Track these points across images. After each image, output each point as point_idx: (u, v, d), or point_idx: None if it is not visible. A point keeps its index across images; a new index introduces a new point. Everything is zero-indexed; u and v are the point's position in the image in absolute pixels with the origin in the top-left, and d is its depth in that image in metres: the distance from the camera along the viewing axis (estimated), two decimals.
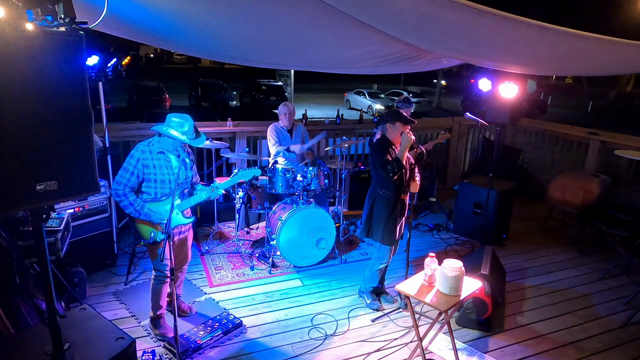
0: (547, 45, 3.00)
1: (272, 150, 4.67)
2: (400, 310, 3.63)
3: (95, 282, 3.81)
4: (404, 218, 3.52)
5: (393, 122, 3.29)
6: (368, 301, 3.65)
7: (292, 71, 18.82)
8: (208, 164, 5.42)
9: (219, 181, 3.17)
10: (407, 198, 3.50)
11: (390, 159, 3.20)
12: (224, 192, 3.26)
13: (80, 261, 3.55)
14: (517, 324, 3.52)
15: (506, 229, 5.16)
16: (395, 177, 3.20)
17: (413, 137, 3.22)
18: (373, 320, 3.48)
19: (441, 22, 2.82)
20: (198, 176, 3.25)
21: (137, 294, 3.67)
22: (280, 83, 20.76)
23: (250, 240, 4.81)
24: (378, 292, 3.81)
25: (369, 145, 5.17)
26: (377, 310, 3.60)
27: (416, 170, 3.48)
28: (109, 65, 3.90)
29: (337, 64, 4.81)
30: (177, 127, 2.82)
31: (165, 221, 2.79)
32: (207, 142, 4.38)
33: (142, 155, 2.85)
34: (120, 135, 4.98)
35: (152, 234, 2.92)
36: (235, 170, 3.32)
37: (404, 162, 3.23)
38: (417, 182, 3.42)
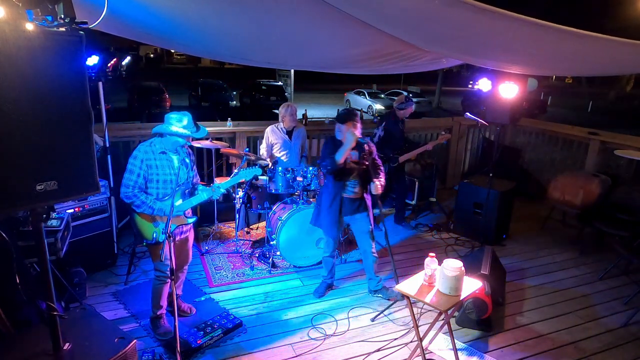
0: (548, 43, 2.99)
1: (262, 151, 4.72)
2: (397, 301, 3.67)
3: (95, 282, 3.81)
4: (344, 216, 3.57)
5: (336, 123, 3.43)
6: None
7: (292, 71, 18.80)
8: (208, 164, 5.42)
9: (219, 181, 3.18)
10: (360, 197, 3.53)
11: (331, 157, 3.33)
12: (224, 192, 3.27)
13: (80, 261, 3.55)
14: (517, 324, 3.52)
15: (506, 229, 5.16)
16: (332, 173, 3.39)
17: (356, 135, 3.27)
18: (372, 320, 3.48)
19: (441, 21, 2.82)
20: (198, 177, 3.26)
21: (137, 294, 3.67)
22: (280, 83, 20.76)
23: (250, 240, 4.80)
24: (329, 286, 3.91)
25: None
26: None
27: (381, 173, 3.51)
28: (109, 64, 3.90)
29: (337, 64, 4.81)
30: (177, 122, 2.86)
31: (180, 213, 2.81)
32: (207, 142, 4.38)
33: (145, 156, 2.85)
34: (120, 135, 4.97)
35: (155, 235, 2.92)
36: (236, 170, 3.32)
37: (341, 161, 3.28)
38: (378, 184, 3.33)
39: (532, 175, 6.68)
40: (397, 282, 3.66)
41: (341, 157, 3.28)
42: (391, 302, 3.69)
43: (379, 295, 3.79)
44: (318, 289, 3.83)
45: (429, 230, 5.35)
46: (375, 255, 3.68)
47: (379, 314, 3.55)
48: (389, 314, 3.57)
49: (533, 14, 2.53)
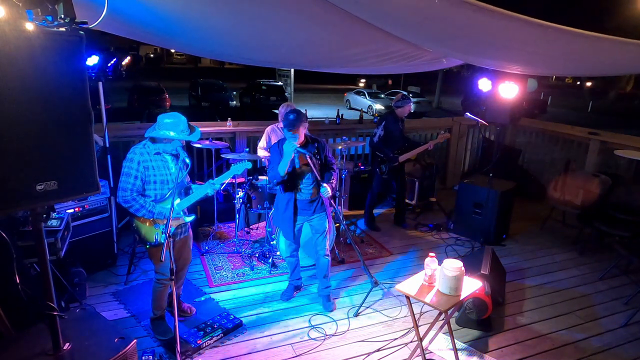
0: (547, 43, 2.99)
1: (260, 153, 4.60)
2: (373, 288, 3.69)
3: (95, 282, 3.81)
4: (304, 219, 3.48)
5: (283, 129, 3.28)
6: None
7: (292, 71, 18.83)
8: (208, 164, 5.42)
9: None
10: (317, 198, 3.43)
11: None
12: (222, 191, 3.26)
13: (80, 261, 3.55)
14: (517, 324, 3.52)
15: (506, 229, 5.16)
16: (280, 184, 3.37)
17: (295, 146, 3.17)
18: (356, 314, 3.48)
19: (441, 20, 2.81)
20: (188, 176, 3.24)
21: (137, 294, 3.67)
22: (280, 83, 20.77)
23: (250, 240, 4.80)
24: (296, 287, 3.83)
25: (370, 145, 5.20)
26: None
27: (333, 174, 3.46)
28: (109, 64, 3.90)
29: (338, 63, 4.81)
30: (173, 128, 2.81)
31: (179, 215, 2.81)
32: (207, 142, 4.38)
33: (141, 158, 2.83)
34: (120, 135, 4.98)
35: (157, 236, 2.91)
36: None
37: (284, 171, 3.22)
38: (329, 189, 3.28)
39: (532, 175, 6.68)
40: (371, 277, 3.66)
41: (284, 170, 3.23)
42: (368, 292, 3.69)
43: (321, 301, 3.65)
44: (285, 292, 3.76)
45: (429, 230, 5.35)
46: (328, 257, 3.54)
47: (371, 310, 3.57)
48: (388, 313, 3.57)
49: (532, 14, 2.53)
